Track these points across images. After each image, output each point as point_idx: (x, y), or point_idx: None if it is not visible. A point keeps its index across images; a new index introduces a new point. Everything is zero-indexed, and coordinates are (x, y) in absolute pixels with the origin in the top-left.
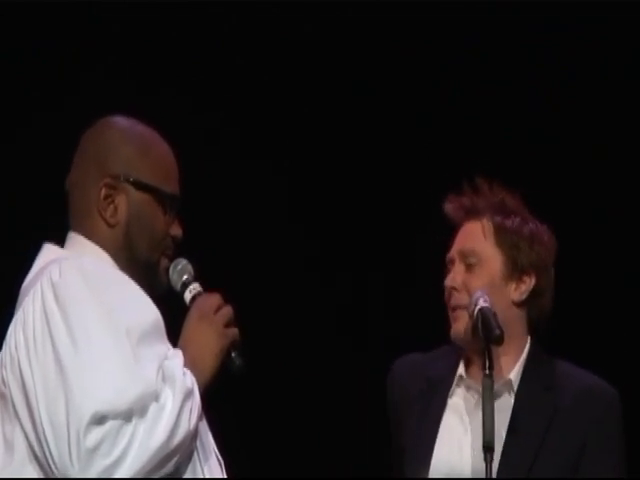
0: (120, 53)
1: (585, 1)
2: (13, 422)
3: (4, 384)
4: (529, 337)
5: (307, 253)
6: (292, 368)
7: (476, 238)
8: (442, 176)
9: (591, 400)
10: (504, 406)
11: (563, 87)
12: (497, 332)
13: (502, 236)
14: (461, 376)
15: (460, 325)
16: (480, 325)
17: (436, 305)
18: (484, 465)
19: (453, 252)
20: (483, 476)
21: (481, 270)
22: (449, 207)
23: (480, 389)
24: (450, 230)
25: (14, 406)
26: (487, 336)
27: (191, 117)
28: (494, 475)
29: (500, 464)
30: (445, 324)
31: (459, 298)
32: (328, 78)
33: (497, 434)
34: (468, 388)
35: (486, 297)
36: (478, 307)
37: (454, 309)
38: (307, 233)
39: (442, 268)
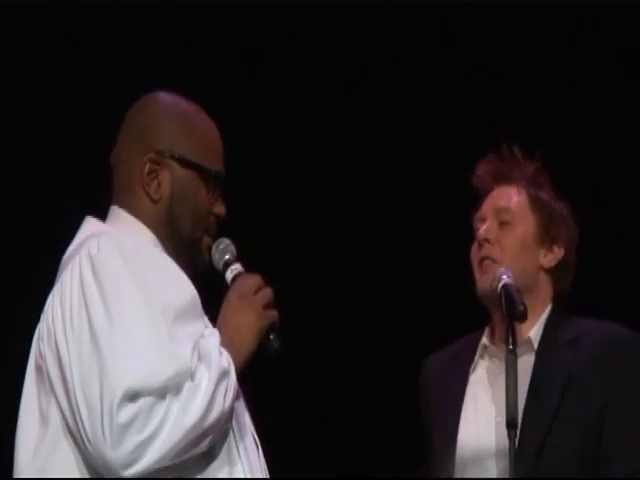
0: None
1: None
2: (49, 395)
3: (41, 357)
4: (551, 304)
5: (347, 239)
6: (329, 352)
7: (511, 199)
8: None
9: (612, 347)
10: (525, 366)
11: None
12: (521, 308)
13: (537, 205)
14: (485, 345)
15: (488, 277)
16: (504, 301)
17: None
18: (507, 438)
19: (485, 209)
20: (506, 448)
21: (515, 228)
22: (483, 169)
23: (503, 356)
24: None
25: (50, 379)
26: (510, 312)
27: None
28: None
29: (521, 425)
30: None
31: (490, 250)
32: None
33: (519, 396)
34: (491, 357)
35: (510, 273)
36: (502, 283)
37: (483, 259)
38: (348, 219)
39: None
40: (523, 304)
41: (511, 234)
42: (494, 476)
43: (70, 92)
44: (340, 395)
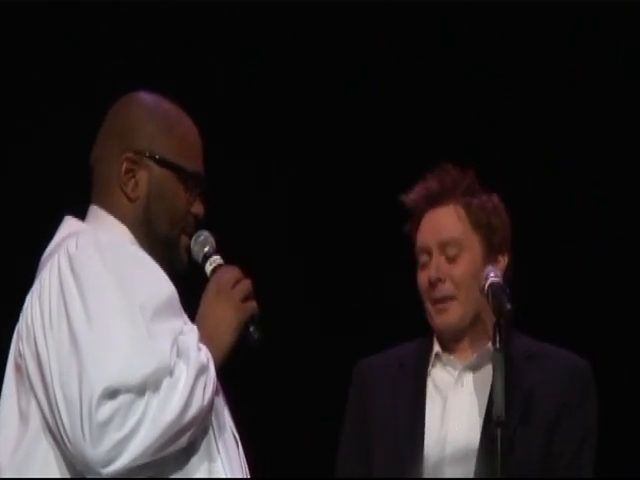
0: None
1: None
2: (28, 394)
3: (20, 356)
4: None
5: (328, 233)
6: (310, 346)
7: (452, 225)
8: None
9: (570, 371)
10: (486, 377)
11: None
12: (508, 307)
13: (475, 216)
14: (437, 353)
15: (451, 316)
16: (491, 299)
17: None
18: (476, 441)
19: (429, 243)
20: (463, 457)
21: (463, 259)
22: (414, 194)
23: (459, 364)
24: None
25: (29, 378)
26: (499, 310)
27: None
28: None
29: (482, 434)
30: None
31: (445, 289)
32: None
33: (480, 405)
34: (445, 365)
35: (497, 272)
36: (489, 282)
37: (442, 300)
38: (330, 213)
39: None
40: (511, 302)
41: (460, 266)
42: None
43: (69, 93)
44: (321, 390)
